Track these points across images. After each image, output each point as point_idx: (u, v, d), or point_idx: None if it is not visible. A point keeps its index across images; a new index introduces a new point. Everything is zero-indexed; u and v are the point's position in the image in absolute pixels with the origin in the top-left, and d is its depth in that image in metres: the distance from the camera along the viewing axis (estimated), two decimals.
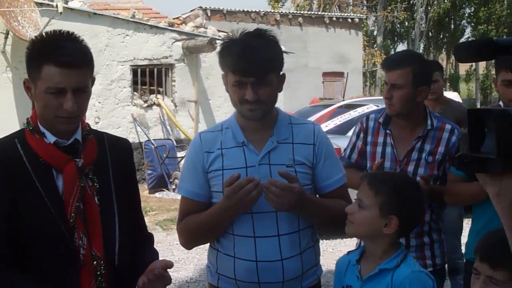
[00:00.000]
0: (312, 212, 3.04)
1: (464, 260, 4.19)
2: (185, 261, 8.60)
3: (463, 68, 55.40)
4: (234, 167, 2.98)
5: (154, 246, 2.88)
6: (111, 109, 15.77)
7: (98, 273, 2.50)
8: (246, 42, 2.95)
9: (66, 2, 15.56)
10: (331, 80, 26.08)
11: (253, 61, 2.89)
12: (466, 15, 48.70)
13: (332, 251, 9.05)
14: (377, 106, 9.91)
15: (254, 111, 2.96)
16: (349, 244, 8.23)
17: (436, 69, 6.28)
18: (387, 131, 3.81)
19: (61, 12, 14.20)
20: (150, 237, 2.90)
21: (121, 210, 2.63)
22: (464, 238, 4.45)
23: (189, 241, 3.19)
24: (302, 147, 3.07)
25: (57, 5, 14.29)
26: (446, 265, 4.25)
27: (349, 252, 3.09)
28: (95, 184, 2.57)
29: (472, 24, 47.34)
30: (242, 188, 2.82)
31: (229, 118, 3.18)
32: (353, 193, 3.30)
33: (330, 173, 3.12)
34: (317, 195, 3.16)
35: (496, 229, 2.29)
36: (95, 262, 2.50)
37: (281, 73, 3.06)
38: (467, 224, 4.16)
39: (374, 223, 2.78)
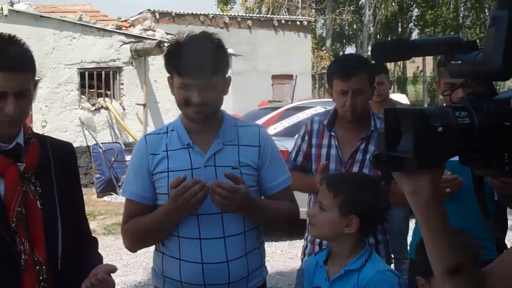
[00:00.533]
0: (258, 214, 3.06)
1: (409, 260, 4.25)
2: (134, 265, 8.55)
3: (411, 70, 56.12)
4: (180, 169, 2.98)
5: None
6: (58, 113, 15.61)
7: (41, 278, 2.47)
8: (192, 44, 2.98)
9: (12, 5, 15.37)
10: (280, 82, 26.15)
11: (199, 64, 2.91)
12: (414, 18, 49.38)
13: (281, 253, 9.08)
14: (325, 108, 9.97)
15: (199, 113, 2.98)
16: (298, 246, 8.26)
17: (382, 71, 6.33)
18: (332, 133, 3.84)
19: (6, 15, 14.01)
20: (95, 242, 2.87)
21: (64, 214, 2.60)
22: (410, 238, 4.52)
23: (134, 243, 3.18)
24: (248, 149, 3.09)
25: (2, 8, 14.09)
26: (392, 265, 4.30)
27: (316, 253, 3.13)
28: (38, 189, 2.54)
29: (419, 27, 47.99)
30: (187, 190, 2.82)
31: (174, 120, 3.19)
32: (298, 195, 3.35)
33: (275, 175, 3.15)
34: (263, 197, 3.18)
35: None
36: (37, 267, 2.47)
37: (227, 75, 3.08)
38: (413, 224, 4.23)
39: (335, 224, 2.82)
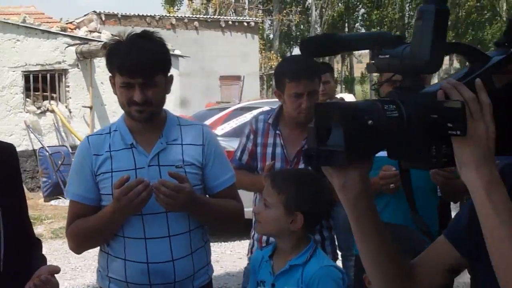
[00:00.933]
0: (202, 212, 3.07)
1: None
2: (82, 268, 8.45)
3: (358, 70, 56.64)
4: (123, 169, 2.97)
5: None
6: (2, 117, 15.34)
7: None
8: (133, 43, 2.97)
9: None
10: (228, 83, 26.14)
11: (140, 62, 2.90)
12: (360, 18, 49.87)
13: (231, 253, 9.09)
14: (272, 108, 10.01)
15: (142, 112, 2.97)
16: (247, 246, 8.26)
17: (327, 70, 6.38)
18: (277, 132, 3.86)
19: None
20: (38, 243, 2.84)
21: (6, 216, 2.56)
22: None
23: (78, 245, 3.15)
24: (191, 148, 3.09)
25: None
26: (340, 262, 4.34)
27: (262, 248, 3.14)
28: None
29: (366, 26, 48.47)
30: (131, 190, 2.81)
31: (117, 120, 3.18)
32: (244, 195, 3.36)
33: (219, 173, 3.15)
34: (207, 195, 3.18)
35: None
36: None
37: (169, 74, 3.08)
38: None
39: (280, 221, 2.84)
